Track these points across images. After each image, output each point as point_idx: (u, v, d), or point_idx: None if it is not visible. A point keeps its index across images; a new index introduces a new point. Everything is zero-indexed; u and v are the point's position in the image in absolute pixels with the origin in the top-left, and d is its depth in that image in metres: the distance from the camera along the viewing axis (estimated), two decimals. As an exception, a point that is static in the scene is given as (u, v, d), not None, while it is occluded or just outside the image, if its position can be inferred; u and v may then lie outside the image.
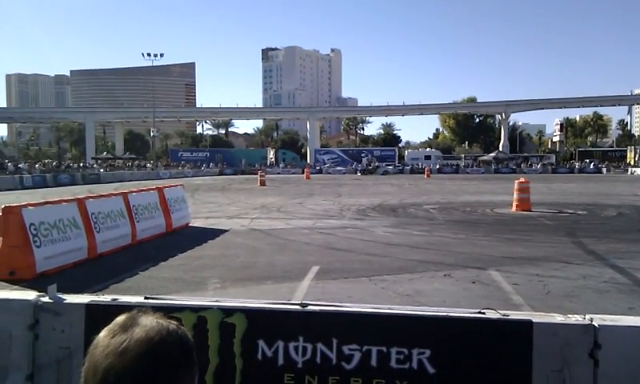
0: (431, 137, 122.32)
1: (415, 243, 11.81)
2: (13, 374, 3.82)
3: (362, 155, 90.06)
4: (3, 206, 8.43)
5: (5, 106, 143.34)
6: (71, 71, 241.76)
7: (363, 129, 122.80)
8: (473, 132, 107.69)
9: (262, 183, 39.46)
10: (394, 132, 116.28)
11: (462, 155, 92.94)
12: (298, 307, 3.52)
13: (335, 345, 3.39)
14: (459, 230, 14.04)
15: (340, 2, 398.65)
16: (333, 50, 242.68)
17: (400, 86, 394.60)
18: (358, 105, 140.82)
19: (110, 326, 1.01)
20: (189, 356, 1.02)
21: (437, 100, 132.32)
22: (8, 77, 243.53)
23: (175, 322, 1.05)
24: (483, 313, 3.31)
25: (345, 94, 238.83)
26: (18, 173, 43.51)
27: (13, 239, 8.18)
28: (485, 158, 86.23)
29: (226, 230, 13.99)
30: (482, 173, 73.04)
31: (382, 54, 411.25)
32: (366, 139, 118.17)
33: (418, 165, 79.96)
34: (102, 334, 1.00)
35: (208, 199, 25.76)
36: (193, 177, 61.30)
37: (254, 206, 21.44)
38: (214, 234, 13.43)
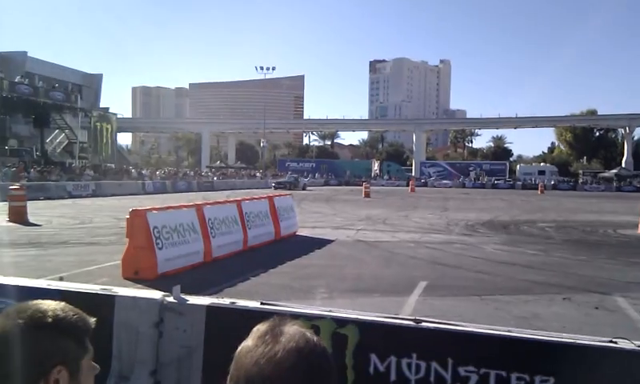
0: (546, 151, 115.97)
1: (530, 263, 11.21)
2: (138, 369, 4.07)
3: (470, 169, 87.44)
4: (131, 210, 9.10)
5: (131, 116, 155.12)
6: (190, 84, 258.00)
7: (472, 141, 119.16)
8: (592, 147, 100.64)
9: (367, 195, 39.49)
10: (505, 145, 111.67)
11: (580, 171, 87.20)
12: (411, 323, 3.45)
13: (450, 365, 3.27)
14: (579, 250, 13.14)
15: (451, 13, 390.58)
16: (442, 61, 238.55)
17: (513, 97, 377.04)
18: (467, 116, 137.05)
19: (256, 333, 1.03)
20: (332, 367, 1.02)
21: (553, 112, 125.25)
22: (134, 89, 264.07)
23: (315, 334, 1.05)
24: (615, 342, 3.05)
25: (453, 105, 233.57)
26: (141, 179, 46.86)
27: (138, 241, 8.79)
28: (605, 174, 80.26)
29: (332, 241, 14.12)
30: (602, 190, 68.00)
31: (493, 64, 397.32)
32: (474, 152, 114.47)
33: (530, 180, 76.16)
34: (250, 341, 1.01)
35: (314, 209, 26.19)
36: (299, 186, 62.67)
37: (359, 218, 21.48)
38: (320, 243, 13.61)
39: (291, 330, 1.01)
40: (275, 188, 50.28)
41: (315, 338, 1.02)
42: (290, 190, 45.40)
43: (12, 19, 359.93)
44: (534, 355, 3.15)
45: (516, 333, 3.30)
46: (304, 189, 51.37)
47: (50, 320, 1.13)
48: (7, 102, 43.67)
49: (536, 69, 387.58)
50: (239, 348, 1.03)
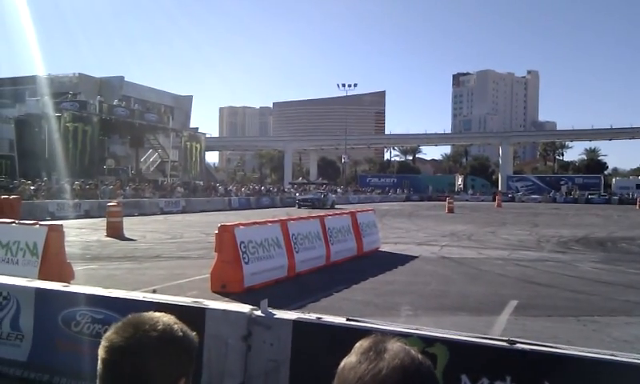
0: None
1: (630, 282, 10.48)
2: (227, 381, 4.15)
3: (561, 183, 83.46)
4: (219, 225, 9.41)
5: (218, 135, 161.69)
6: (273, 103, 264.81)
7: (562, 154, 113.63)
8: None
9: (450, 210, 38.59)
10: (599, 158, 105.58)
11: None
12: (505, 344, 3.30)
13: (548, 389, 3.09)
14: (686, 270, 12.13)
15: (537, 22, 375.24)
16: (529, 72, 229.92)
17: (607, 106, 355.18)
18: (557, 128, 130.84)
19: (359, 349, 1.00)
20: None
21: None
22: (221, 109, 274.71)
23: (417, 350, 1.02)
24: None
25: (542, 117, 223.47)
26: (227, 195, 48.42)
27: (226, 255, 9.06)
28: None
29: (416, 257, 13.88)
30: None
31: (585, 73, 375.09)
32: (565, 165, 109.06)
33: (627, 194, 71.52)
34: (353, 358, 0.99)
35: (396, 225, 25.92)
36: (380, 202, 62.35)
37: (442, 234, 21.01)
38: (403, 259, 13.42)
39: (395, 346, 0.99)
40: (299, 206, 41.90)
41: (420, 356, 0.99)
42: (316, 208, 38.44)
43: (108, 46, 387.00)
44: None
45: (621, 357, 3.07)
46: (332, 207, 40.34)
47: (180, 334, 1.18)
48: (106, 124, 46.78)
49: (633, 76, 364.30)
50: (342, 363, 1.01)
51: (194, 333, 1.23)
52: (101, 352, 1.15)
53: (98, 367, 1.15)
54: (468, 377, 3.27)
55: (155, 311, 1.23)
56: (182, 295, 5.81)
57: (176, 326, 1.19)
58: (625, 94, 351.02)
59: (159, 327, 1.16)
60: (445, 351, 3.35)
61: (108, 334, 1.16)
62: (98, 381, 1.15)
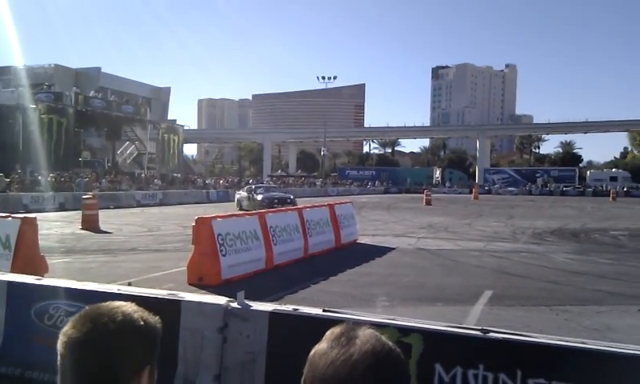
0: (618, 156, 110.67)
1: (602, 272, 10.70)
2: (203, 373, 4.14)
3: (537, 175, 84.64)
4: (196, 218, 9.35)
5: (196, 127, 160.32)
6: (253, 95, 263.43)
7: (539, 147, 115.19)
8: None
9: (428, 202, 38.87)
10: (574, 151, 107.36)
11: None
12: (478, 333, 3.35)
13: (520, 377, 3.15)
14: (655, 260, 12.42)
15: (516, 16, 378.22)
16: (507, 66, 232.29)
17: (582, 100, 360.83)
18: (534, 122, 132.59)
19: (330, 336, 1.01)
20: (407, 371, 0.99)
21: (625, 116, 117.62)
22: (200, 101, 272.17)
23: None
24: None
25: (519, 110, 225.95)
26: (205, 188, 48.13)
27: (203, 247, 9.01)
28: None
29: (393, 249, 13.98)
30: (682, 197, 63.98)
31: (562, 67, 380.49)
32: (541, 158, 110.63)
33: (601, 187, 72.92)
34: (324, 344, 1.00)
35: (374, 217, 26.04)
36: (359, 194, 62.54)
37: (420, 225, 21.18)
38: (381, 251, 13.50)
39: (366, 333, 1.00)
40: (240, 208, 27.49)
41: (390, 344, 1.00)
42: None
43: (85, 36, 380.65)
44: (609, 369, 2.99)
45: (591, 345, 3.14)
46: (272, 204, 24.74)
47: (141, 323, 1.14)
48: (82, 116, 46.02)
49: (607, 70, 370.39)
50: (313, 350, 1.01)
51: (157, 317, 1.19)
52: (59, 347, 1.10)
53: (58, 362, 1.11)
54: (442, 366, 3.31)
55: (124, 302, 1.19)
56: (158, 288, 5.76)
57: (136, 315, 1.15)
58: (600, 87, 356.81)
59: (118, 318, 1.12)
60: (420, 340, 3.39)
61: (66, 328, 1.11)
62: (58, 376, 1.11)
